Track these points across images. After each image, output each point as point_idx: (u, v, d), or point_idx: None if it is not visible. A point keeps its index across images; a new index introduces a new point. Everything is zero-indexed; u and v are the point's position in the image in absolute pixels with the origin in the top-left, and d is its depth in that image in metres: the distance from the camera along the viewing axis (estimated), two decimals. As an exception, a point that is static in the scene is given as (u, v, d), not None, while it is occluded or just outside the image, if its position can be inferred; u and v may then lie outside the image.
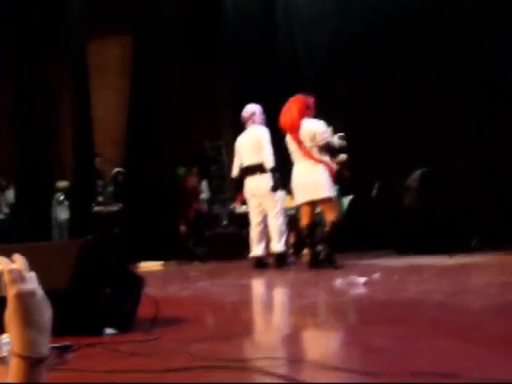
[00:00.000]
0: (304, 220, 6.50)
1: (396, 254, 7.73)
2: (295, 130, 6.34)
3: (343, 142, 6.52)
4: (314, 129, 6.30)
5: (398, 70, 9.26)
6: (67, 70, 10.49)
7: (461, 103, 8.67)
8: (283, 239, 6.99)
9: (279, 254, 6.94)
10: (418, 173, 8.11)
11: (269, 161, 6.86)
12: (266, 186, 6.94)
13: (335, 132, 6.47)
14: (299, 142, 6.32)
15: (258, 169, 6.98)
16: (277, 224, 6.97)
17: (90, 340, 2.53)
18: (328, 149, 6.42)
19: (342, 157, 6.80)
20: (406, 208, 8.07)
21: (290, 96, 6.65)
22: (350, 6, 9.92)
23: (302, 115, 6.35)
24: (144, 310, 2.98)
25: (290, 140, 6.45)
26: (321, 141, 6.28)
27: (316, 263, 6.35)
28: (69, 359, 2.23)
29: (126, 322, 2.86)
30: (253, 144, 6.98)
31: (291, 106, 6.43)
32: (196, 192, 10.68)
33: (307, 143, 6.30)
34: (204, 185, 11.58)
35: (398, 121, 9.09)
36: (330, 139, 6.35)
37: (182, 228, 10.01)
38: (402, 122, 9.06)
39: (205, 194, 11.46)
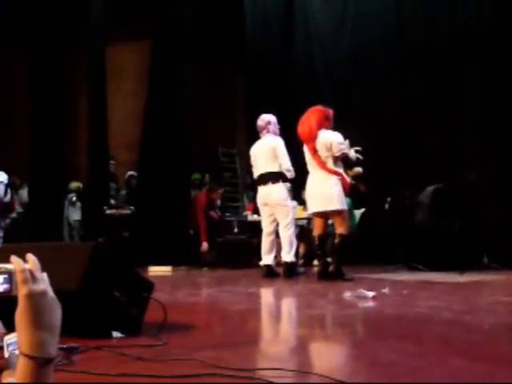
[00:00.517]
0: (316, 230, 6.51)
1: (406, 268, 7.70)
2: (312, 140, 6.34)
3: (359, 156, 6.52)
4: (331, 139, 6.30)
5: (414, 85, 9.29)
6: (85, 72, 10.57)
7: (475, 120, 8.66)
8: (293, 250, 6.98)
9: (289, 264, 6.93)
10: (430, 188, 8.08)
11: (290, 171, 6.90)
12: (278, 195, 6.95)
13: (352, 145, 6.47)
14: (314, 152, 6.32)
15: (270, 178, 6.98)
16: (287, 234, 6.96)
17: (98, 342, 2.53)
18: (344, 160, 6.42)
19: (358, 170, 6.79)
20: (418, 223, 8.04)
21: (305, 107, 6.65)
22: (368, 19, 9.95)
23: (319, 126, 6.36)
24: (152, 315, 2.98)
25: (306, 150, 6.46)
26: (337, 151, 6.29)
27: (326, 274, 6.33)
28: (75, 361, 2.24)
29: (133, 326, 2.86)
30: (267, 153, 6.99)
31: (310, 116, 6.43)
32: (214, 205, 10.66)
33: (323, 153, 6.30)
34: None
35: (413, 136, 9.09)
36: (346, 151, 6.35)
37: (205, 245, 9.95)
38: (417, 137, 9.05)
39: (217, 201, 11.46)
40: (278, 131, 7.21)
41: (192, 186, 10.87)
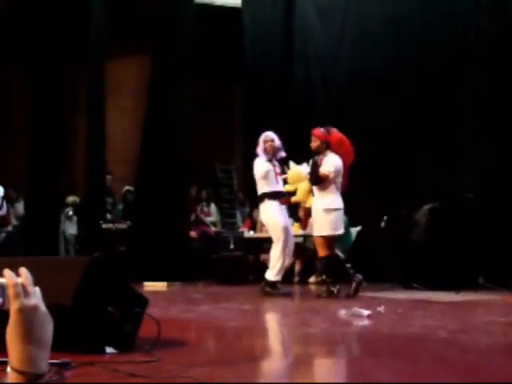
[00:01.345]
0: (323, 251, 6.49)
1: (402, 287, 7.68)
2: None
3: None
4: None
5: (411, 103, 9.32)
6: (84, 86, 10.58)
7: (473, 140, 8.69)
8: (275, 268, 6.86)
9: (268, 282, 6.85)
10: (426, 208, 8.09)
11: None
12: (264, 214, 6.99)
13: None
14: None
15: (259, 199, 7.02)
16: (273, 252, 6.91)
17: (90, 358, 2.51)
18: None
19: None
20: (414, 242, 8.04)
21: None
22: (366, 40, 10.01)
23: None
24: (146, 331, 2.96)
25: (339, 172, 6.46)
26: None
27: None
28: (67, 376, 2.22)
29: (127, 342, 2.84)
30: (255, 174, 7.04)
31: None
32: (194, 201, 10.94)
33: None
34: (213, 208, 11.60)
35: (409, 154, 9.11)
36: None
37: (193, 233, 10.21)
38: (413, 155, 9.08)
39: (213, 217, 11.47)
40: (263, 149, 7.08)
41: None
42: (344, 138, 6.57)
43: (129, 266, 8.68)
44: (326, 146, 6.46)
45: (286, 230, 6.83)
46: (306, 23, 10.80)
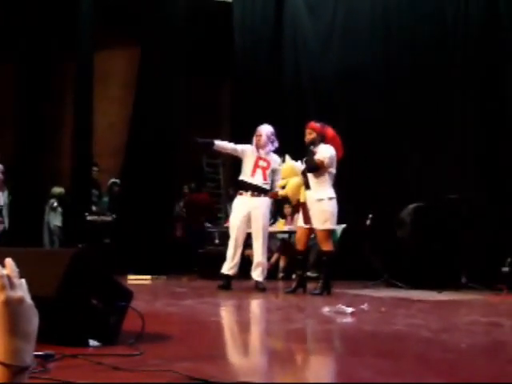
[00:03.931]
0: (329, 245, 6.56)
1: (385, 285, 7.73)
2: None
3: None
4: None
5: (400, 103, 9.35)
6: (72, 76, 10.52)
7: (460, 143, 8.74)
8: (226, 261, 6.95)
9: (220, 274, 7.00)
10: (411, 207, 8.13)
11: None
12: None
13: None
14: None
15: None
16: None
17: (73, 351, 2.50)
18: None
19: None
20: (398, 241, 8.08)
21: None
22: (355, 37, 10.02)
23: None
24: (130, 324, 2.96)
25: (333, 161, 6.51)
26: None
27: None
28: (50, 369, 2.21)
29: (110, 335, 2.84)
30: None
31: None
32: (208, 210, 10.94)
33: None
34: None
35: (396, 154, 9.15)
36: None
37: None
38: (400, 155, 9.12)
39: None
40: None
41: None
42: (336, 134, 6.62)
43: (113, 258, 8.65)
44: (321, 139, 6.53)
45: (232, 228, 6.89)
46: (296, 18, 10.81)
